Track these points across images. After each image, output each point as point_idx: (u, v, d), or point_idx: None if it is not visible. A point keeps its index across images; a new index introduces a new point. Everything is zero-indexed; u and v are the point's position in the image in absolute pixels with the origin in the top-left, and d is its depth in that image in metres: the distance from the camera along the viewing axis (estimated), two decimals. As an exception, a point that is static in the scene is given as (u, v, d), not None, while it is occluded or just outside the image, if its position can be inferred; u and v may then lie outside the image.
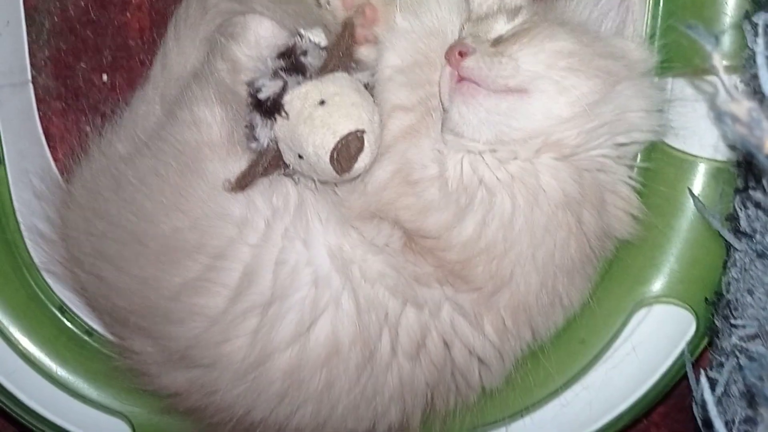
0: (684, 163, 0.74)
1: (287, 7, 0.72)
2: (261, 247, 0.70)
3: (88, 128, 0.81)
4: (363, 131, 0.67)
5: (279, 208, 0.71)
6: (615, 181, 0.72)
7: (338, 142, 0.66)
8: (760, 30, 0.43)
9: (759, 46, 0.39)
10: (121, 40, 0.85)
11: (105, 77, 0.86)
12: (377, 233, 0.71)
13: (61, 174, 0.86)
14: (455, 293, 0.70)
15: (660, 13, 0.74)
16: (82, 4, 0.84)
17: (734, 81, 0.60)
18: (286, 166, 0.72)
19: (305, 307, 0.69)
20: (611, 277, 0.78)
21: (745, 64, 0.61)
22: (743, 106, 0.33)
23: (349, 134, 0.66)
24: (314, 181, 0.72)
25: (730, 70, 0.63)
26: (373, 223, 0.71)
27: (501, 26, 0.72)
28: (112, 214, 0.74)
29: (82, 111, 0.85)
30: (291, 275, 0.69)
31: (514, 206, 0.68)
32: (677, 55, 0.73)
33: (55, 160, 0.88)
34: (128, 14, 0.84)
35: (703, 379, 0.46)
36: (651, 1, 0.74)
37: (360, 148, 0.67)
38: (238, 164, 0.72)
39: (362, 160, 0.67)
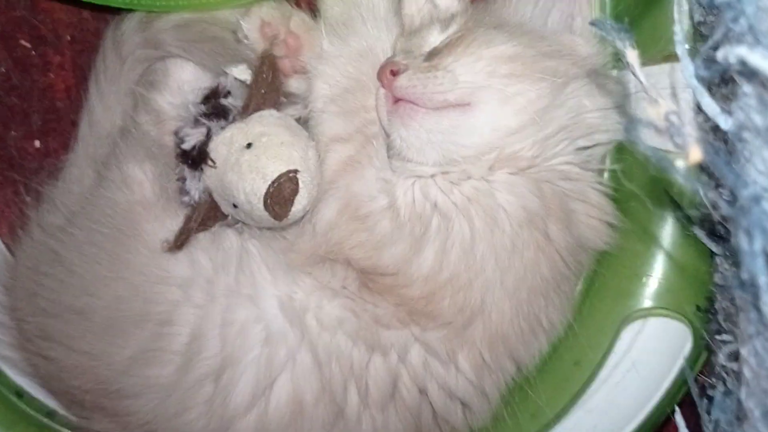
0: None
1: (205, 46, 0.67)
2: (206, 308, 0.65)
3: (27, 198, 0.76)
4: (296, 171, 0.61)
5: (221, 263, 0.66)
6: (583, 188, 0.66)
7: (270, 186, 0.61)
8: (676, 16, 0.37)
9: (677, 35, 0.34)
10: (48, 102, 0.80)
11: (38, 143, 0.82)
12: (331, 276, 0.65)
13: (9, 250, 0.81)
14: (423, 332, 0.64)
15: (608, 5, 0.68)
16: (3, 70, 0.79)
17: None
18: (225, 216, 0.67)
19: (260, 368, 0.63)
20: (595, 293, 0.71)
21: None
22: (660, 110, 0.27)
23: (281, 176, 0.61)
24: (258, 228, 0.67)
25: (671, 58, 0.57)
26: (325, 266, 0.66)
27: (435, 38, 0.66)
28: (54, 289, 0.70)
29: (18, 181, 0.80)
30: (240, 336, 0.63)
31: (473, 230, 0.62)
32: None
33: (1, 235, 0.83)
34: (51, 75, 0.79)
35: (678, 417, 0.40)
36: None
37: (294, 190, 0.61)
38: (175, 221, 0.67)
39: (299, 203, 0.62)
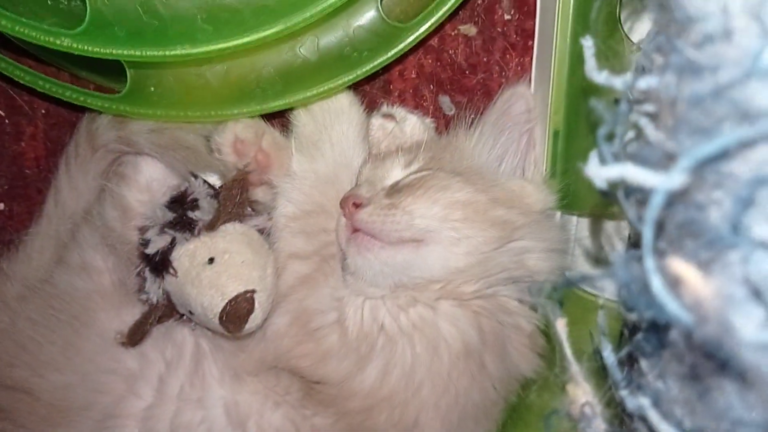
0: (587, 303, 0.73)
1: (178, 153, 0.70)
2: (155, 407, 0.67)
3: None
4: (253, 291, 0.65)
5: (173, 360, 0.69)
6: (518, 320, 0.71)
7: (227, 304, 0.64)
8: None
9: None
10: (16, 168, 0.81)
11: (2, 206, 0.83)
12: (276, 383, 0.69)
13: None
14: None
15: (559, 152, 0.73)
16: (-25, 134, 0.81)
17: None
18: (180, 315, 0.70)
19: None
20: (519, 416, 0.77)
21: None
22: (578, 400, 0.32)
23: (238, 296, 0.64)
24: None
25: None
26: (272, 373, 0.69)
27: (398, 173, 0.70)
28: (5, 362, 0.72)
29: (-21, 242, 0.81)
30: None
31: (414, 356, 0.67)
32: (577, 195, 0.72)
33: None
34: (23, 144, 0.81)
35: None
36: (549, 142, 0.72)
37: (250, 310, 0.65)
38: (131, 313, 0.70)
39: (253, 321, 0.65)
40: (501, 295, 0.70)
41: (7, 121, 0.80)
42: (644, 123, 0.41)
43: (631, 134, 0.45)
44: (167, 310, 0.69)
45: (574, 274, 0.73)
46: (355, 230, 0.67)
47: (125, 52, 0.57)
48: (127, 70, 0.64)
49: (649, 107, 0.42)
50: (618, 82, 0.41)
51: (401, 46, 0.68)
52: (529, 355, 0.72)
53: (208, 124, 0.70)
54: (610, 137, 0.41)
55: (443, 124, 0.79)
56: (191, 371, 0.68)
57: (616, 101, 0.44)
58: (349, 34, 0.68)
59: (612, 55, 0.50)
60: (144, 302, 0.70)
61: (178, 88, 0.65)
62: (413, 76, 0.79)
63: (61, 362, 0.69)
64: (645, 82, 0.39)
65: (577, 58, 0.67)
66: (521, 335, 0.71)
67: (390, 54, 0.68)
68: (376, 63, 0.67)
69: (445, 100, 0.79)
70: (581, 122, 0.71)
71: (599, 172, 0.35)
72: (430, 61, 0.79)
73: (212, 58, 0.62)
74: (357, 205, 0.66)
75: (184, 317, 0.70)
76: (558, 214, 0.73)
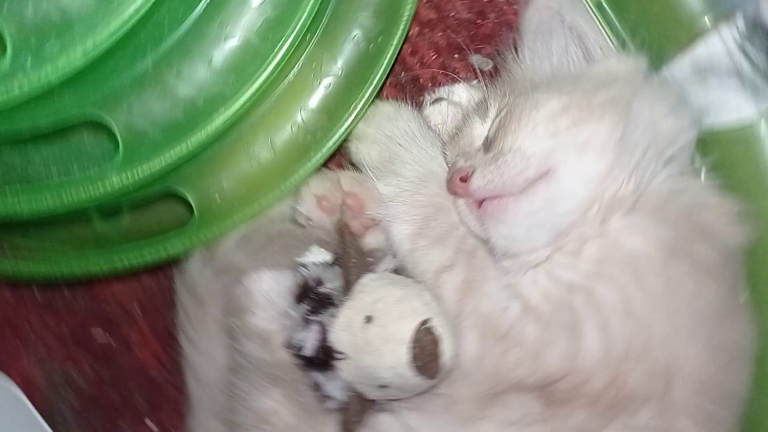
0: (740, 135, 0.64)
1: (274, 246, 0.65)
2: None
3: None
4: (426, 320, 0.57)
5: None
6: (695, 195, 0.62)
7: (411, 348, 0.57)
8: None
9: None
10: (143, 379, 0.78)
11: (149, 422, 0.79)
12: (506, 412, 0.60)
13: None
14: (631, 418, 0.58)
15: (613, 17, 0.67)
16: (88, 369, 0.77)
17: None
18: (373, 402, 0.62)
19: None
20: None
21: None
22: None
23: (417, 333, 0.57)
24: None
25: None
26: (496, 403, 0.60)
27: (480, 129, 0.65)
28: None
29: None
30: None
31: (620, 291, 0.57)
32: (657, 42, 0.66)
33: None
34: (136, 351, 0.77)
35: None
36: (596, 14, 0.67)
37: (435, 341, 0.57)
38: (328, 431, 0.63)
39: (447, 350, 0.57)
40: (662, 179, 0.62)
41: (109, 338, 0.77)
42: None
43: None
44: (360, 406, 0.62)
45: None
46: (479, 202, 0.60)
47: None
48: (188, 197, 0.61)
49: None
50: None
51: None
52: (730, 226, 0.62)
53: (286, 208, 0.66)
54: None
55: (490, 80, 0.74)
56: None
57: None
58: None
59: None
60: (332, 410, 0.63)
61: (238, 186, 0.62)
62: (433, 56, 0.75)
63: None
64: None
65: None
66: (709, 209, 0.62)
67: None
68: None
69: (475, 59, 0.75)
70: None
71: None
72: (439, 34, 0.75)
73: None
74: (465, 180, 0.60)
75: (376, 403, 0.63)
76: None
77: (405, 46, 0.75)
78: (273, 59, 0.57)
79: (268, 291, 0.67)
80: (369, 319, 0.59)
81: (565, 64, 0.66)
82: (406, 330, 0.57)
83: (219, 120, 0.57)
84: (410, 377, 0.57)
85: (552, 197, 0.59)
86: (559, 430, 0.58)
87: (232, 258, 0.66)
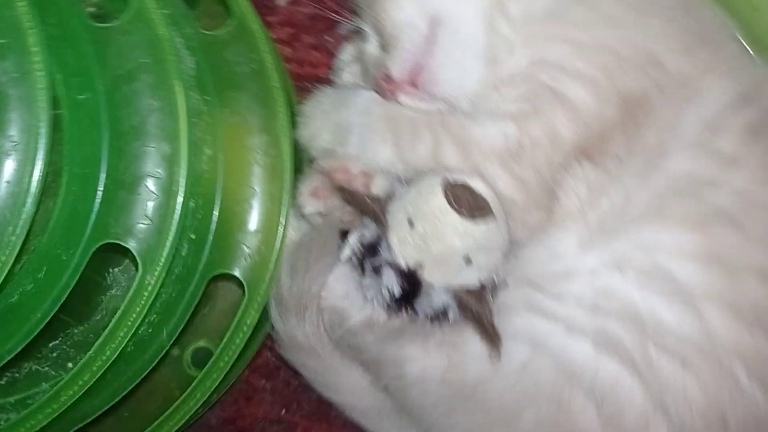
0: None
1: (316, 254, 0.70)
2: None
3: None
4: (445, 180, 0.62)
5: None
6: None
7: (452, 207, 0.61)
8: None
9: None
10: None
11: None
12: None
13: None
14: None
15: None
16: None
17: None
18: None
19: None
20: None
21: None
22: None
23: (446, 194, 0.61)
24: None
25: None
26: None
27: (371, 46, 0.71)
28: None
29: None
30: None
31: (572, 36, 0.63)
32: None
33: None
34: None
35: None
36: None
37: (465, 186, 0.61)
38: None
39: (479, 186, 0.61)
40: None
41: None
42: None
43: None
44: (472, 297, 0.64)
45: None
46: (413, 84, 0.66)
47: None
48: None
49: None
50: None
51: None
52: None
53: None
54: None
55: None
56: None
57: None
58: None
59: None
60: (461, 319, 0.65)
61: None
62: (314, 53, 0.84)
63: None
64: None
65: None
66: None
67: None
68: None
69: (343, 27, 0.84)
70: None
71: None
72: (305, 36, 0.84)
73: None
74: (388, 79, 0.66)
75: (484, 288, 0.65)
76: None
77: (292, 66, 0.85)
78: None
79: (343, 292, 0.71)
80: (411, 224, 0.63)
81: None
82: (438, 200, 0.61)
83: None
84: (477, 231, 0.61)
85: (453, 29, 0.65)
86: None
87: (298, 290, 0.71)
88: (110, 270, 0.73)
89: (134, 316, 0.60)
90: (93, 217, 0.58)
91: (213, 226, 0.69)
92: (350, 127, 0.69)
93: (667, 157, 0.61)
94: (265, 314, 0.72)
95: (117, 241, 0.59)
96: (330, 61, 0.84)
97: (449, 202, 0.61)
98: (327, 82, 0.82)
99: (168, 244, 0.60)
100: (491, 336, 0.62)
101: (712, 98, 0.62)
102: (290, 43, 0.85)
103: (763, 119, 0.62)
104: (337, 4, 0.81)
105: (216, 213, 0.69)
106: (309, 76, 0.85)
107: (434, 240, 0.62)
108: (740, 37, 0.69)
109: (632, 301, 0.59)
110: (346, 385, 0.74)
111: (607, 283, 0.60)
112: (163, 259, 0.60)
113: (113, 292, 0.74)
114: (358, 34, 0.74)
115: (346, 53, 0.80)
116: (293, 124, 0.72)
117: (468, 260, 0.62)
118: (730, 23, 0.69)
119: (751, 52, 0.69)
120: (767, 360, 0.57)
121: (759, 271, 0.58)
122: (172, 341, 0.68)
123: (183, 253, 0.67)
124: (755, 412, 0.57)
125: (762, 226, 0.58)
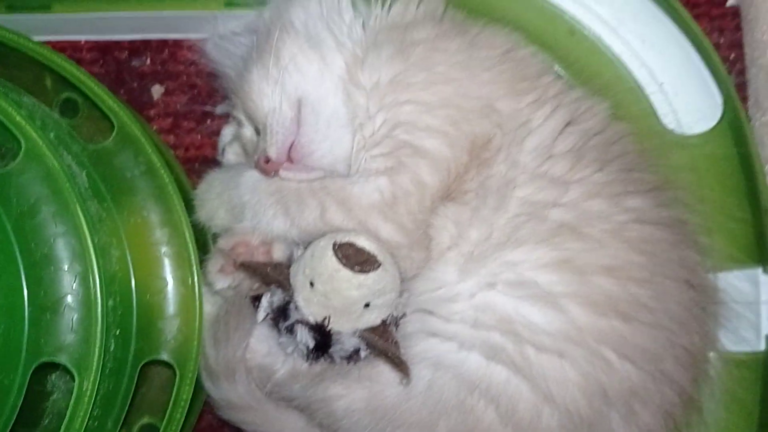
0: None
1: (235, 323, 0.77)
2: None
3: None
4: (333, 243, 0.70)
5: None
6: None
7: (344, 265, 0.69)
8: None
9: None
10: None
11: None
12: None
13: None
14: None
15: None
16: None
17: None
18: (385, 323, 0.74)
19: None
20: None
21: None
22: None
23: (336, 255, 0.69)
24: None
25: None
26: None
27: (247, 131, 0.81)
28: None
29: None
30: None
31: (418, 97, 0.73)
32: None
33: None
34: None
35: None
36: None
37: (350, 244, 0.70)
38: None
39: (363, 242, 0.71)
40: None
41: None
42: None
43: None
44: (377, 334, 0.73)
45: None
46: (289, 160, 0.74)
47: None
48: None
49: None
50: None
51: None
52: None
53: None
54: None
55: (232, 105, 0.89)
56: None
57: None
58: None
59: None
60: (370, 357, 0.74)
61: None
62: (198, 137, 0.91)
63: None
64: None
65: None
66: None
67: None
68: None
69: (218, 108, 0.91)
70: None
71: None
72: (185, 123, 0.92)
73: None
74: (267, 160, 0.75)
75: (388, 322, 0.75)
76: None
77: (178, 152, 0.92)
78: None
79: (265, 350, 0.79)
80: (312, 284, 0.71)
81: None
82: (330, 261, 0.70)
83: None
84: (369, 280, 0.70)
85: (315, 107, 0.74)
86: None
87: (224, 358, 0.78)
88: (48, 377, 0.78)
89: (80, 419, 0.66)
90: (25, 341, 0.64)
91: (134, 318, 0.75)
92: (243, 205, 0.77)
93: (516, 188, 0.72)
94: (199, 384, 0.79)
95: (50, 359, 0.65)
96: (212, 140, 0.91)
97: (340, 261, 0.70)
98: (213, 161, 0.89)
99: (96, 350, 0.66)
100: (398, 365, 0.71)
101: (541, 129, 0.73)
102: (172, 131, 0.92)
103: (584, 140, 0.74)
104: (209, 91, 0.89)
105: (135, 306, 0.75)
106: (195, 158, 0.92)
107: (334, 295, 0.71)
108: (558, 67, 0.82)
109: (506, 311, 0.69)
110: (287, 430, 0.82)
111: (483, 300, 0.70)
112: (95, 364, 0.66)
113: (55, 396, 0.78)
114: (233, 117, 0.82)
115: (226, 134, 0.87)
116: (190, 208, 0.79)
117: (367, 305, 0.72)
118: (546, 57, 0.81)
119: (567, 77, 0.82)
120: (627, 339, 0.69)
121: (603, 268, 0.70)
122: (119, 427, 0.74)
123: (111, 349, 0.73)
124: (628, 381, 0.69)
125: (598, 230, 0.70)
